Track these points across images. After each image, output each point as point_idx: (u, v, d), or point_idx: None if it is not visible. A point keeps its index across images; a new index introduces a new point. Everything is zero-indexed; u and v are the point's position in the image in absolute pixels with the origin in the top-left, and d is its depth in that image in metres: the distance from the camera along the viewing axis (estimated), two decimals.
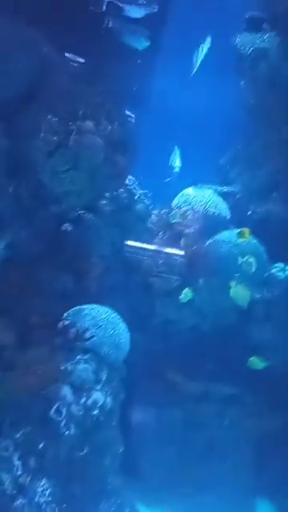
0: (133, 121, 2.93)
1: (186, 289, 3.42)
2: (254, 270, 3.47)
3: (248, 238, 3.54)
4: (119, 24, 3.31)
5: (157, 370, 3.62)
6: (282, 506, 3.76)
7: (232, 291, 3.42)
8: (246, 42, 4.04)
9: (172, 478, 3.56)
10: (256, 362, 3.40)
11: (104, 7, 3.24)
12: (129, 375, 3.32)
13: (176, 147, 4.06)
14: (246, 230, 3.45)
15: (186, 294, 3.40)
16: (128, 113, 2.91)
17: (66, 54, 2.75)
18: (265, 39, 3.97)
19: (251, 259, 3.44)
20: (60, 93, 2.66)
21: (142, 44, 3.50)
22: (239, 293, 3.44)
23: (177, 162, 3.93)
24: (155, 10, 3.47)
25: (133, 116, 2.99)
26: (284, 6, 3.77)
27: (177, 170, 3.94)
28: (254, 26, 4.02)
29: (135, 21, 3.38)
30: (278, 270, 3.94)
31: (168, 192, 4.11)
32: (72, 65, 2.72)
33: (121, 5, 3.22)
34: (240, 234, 3.48)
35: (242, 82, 4.09)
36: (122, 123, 2.85)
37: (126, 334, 3.24)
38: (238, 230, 3.53)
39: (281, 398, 3.79)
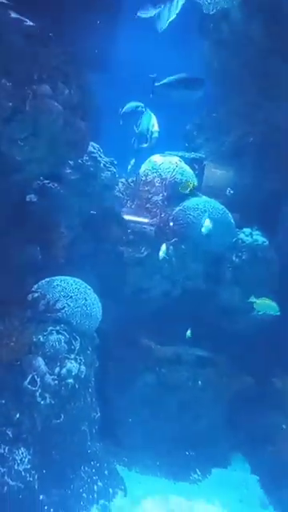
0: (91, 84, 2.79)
1: (164, 245, 3.37)
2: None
3: (189, 190, 3.55)
4: None
5: (130, 336, 3.63)
6: (254, 459, 3.91)
7: (257, 306, 3.45)
8: (208, 1, 3.89)
9: (148, 439, 3.63)
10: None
11: None
12: (102, 343, 3.31)
13: (150, 112, 3.93)
14: (190, 183, 3.49)
15: (164, 252, 3.38)
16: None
17: (20, 15, 2.56)
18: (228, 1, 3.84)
19: (208, 222, 3.44)
20: (14, 55, 2.49)
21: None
22: (264, 305, 3.46)
23: (155, 127, 3.78)
24: None
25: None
26: None
27: (156, 135, 3.80)
28: None
29: None
30: (246, 234, 3.96)
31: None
32: (26, 25, 2.54)
33: None
34: (183, 187, 3.51)
35: (205, 44, 3.97)
36: (80, 86, 2.71)
37: (98, 303, 3.21)
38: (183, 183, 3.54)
39: (250, 358, 3.89)
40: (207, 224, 3.47)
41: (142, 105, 3.94)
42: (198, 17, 3.99)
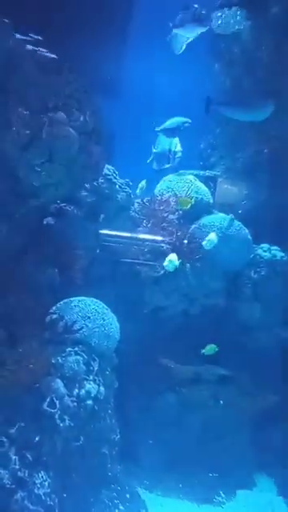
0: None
1: (170, 256, 3.32)
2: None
3: (187, 207, 3.51)
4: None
5: (149, 356, 3.58)
6: (280, 479, 3.77)
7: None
8: (220, 25, 3.93)
9: (170, 460, 3.55)
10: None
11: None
12: (122, 363, 3.28)
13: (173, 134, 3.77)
14: (189, 200, 3.49)
15: (171, 262, 3.31)
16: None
17: (35, 46, 2.65)
18: (238, 22, 3.87)
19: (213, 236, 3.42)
20: (29, 84, 2.57)
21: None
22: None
23: (178, 147, 3.62)
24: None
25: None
26: None
27: (179, 155, 3.62)
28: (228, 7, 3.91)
29: None
30: (264, 250, 3.90)
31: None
32: (40, 54, 2.62)
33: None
34: (182, 203, 3.44)
35: (217, 65, 4.01)
36: (93, 112, 2.76)
37: (116, 323, 3.19)
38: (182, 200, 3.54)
39: (273, 376, 3.78)
40: (211, 238, 3.39)
41: (189, 121, 3.74)
42: (208, 38, 4.04)
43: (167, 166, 3.64)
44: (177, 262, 3.31)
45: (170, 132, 3.69)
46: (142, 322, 3.61)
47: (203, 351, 3.42)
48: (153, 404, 3.52)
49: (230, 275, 3.86)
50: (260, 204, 4.03)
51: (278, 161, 4.02)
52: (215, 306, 3.81)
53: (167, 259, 3.31)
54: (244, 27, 3.77)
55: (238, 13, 3.60)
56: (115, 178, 3.41)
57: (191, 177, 3.92)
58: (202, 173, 4.09)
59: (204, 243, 3.44)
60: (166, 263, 3.30)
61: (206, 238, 3.45)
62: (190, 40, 3.43)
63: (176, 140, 3.61)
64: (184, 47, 3.50)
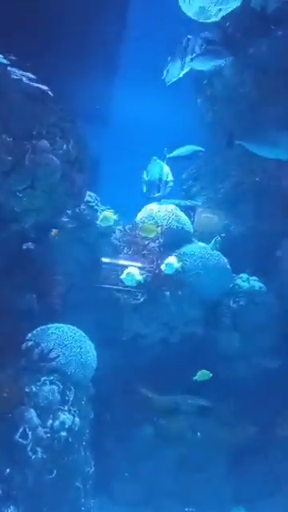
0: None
1: (129, 268, 3.24)
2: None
3: (152, 235, 3.49)
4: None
5: (127, 385, 3.52)
6: None
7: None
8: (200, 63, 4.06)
9: (147, 494, 3.44)
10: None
11: None
12: (98, 393, 3.21)
13: (160, 161, 3.68)
14: (154, 227, 3.47)
15: (129, 276, 3.25)
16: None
17: (20, 73, 2.69)
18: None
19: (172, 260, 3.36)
20: (14, 112, 2.59)
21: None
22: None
23: (170, 177, 3.57)
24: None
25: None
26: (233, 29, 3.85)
27: (171, 184, 3.57)
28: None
29: None
30: (243, 280, 3.93)
31: None
32: (26, 83, 2.66)
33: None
34: (146, 230, 3.47)
35: (199, 100, 4.13)
36: (77, 141, 2.80)
37: (93, 351, 3.14)
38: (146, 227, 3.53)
39: (252, 406, 3.74)
40: (170, 261, 3.32)
41: (203, 150, 3.74)
42: (192, 73, 4.17)
43: (157, 194, 3.60)
44: (139, 277, 3.24)
45: (183, 160, 3.70)
46: (121, 350, 3.55)
47: (195, 378, 3.35)
48: (129, 435, 3.43)
49: (209, 304, 3.86)
50: (240, 235, 4.08)
51: (260, 193, 4.11)
52: (194, 334, 3.79)
53: (125, 272, 3.23)
54: (226, 63, 3.91)
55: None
56: (97, 204, 3.43)
57: (172, 206, 3.97)
58: (183, 202, 4.15)
59: (163, 267, 3.36)
60: (123, 276, 3.21)
61: (165, 261, 3.36)
62: (185, 72, 3.48)
63: (167, 169, 3.58)
64: (174, 80, 3.56)
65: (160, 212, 3.88)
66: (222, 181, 4.30)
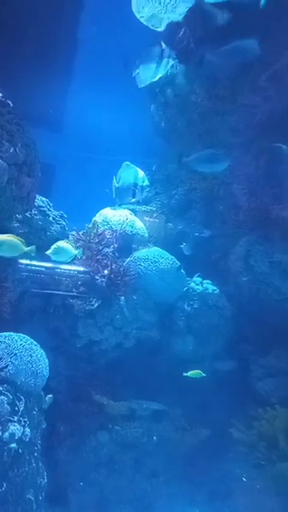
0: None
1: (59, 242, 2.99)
2: None
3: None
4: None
5: (81, 393, 3.43)
6: None
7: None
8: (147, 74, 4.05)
9: (102, 502, 3.36)
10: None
11: None
12: (52, 402, 3.10)
13: (133, 166, 3.57)
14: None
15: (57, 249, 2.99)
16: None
17: None
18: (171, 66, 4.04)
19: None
20: None
21: None
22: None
23: (146, 182, 3.48)
24: None
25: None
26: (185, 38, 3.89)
27: (147, 189, 3.52)
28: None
29: None
30: (196, 283, 3.95)
31: None
32: None
33: None
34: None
35: (153, 107, 4.14)
36: (26, 144, 2.70)
37: (45, 359, 3.03)
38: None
39: (206, 409, 3.76)
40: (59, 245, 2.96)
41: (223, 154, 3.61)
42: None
43: (133, 200, 3.50)
44: (74, 251, 3.03)
45: (203, 165, 3.57)
46: (75, 357, 3.47)
47: (186, 374, 3.32)
48: (84, 443, 3.34)
49: (164, 308, 3.85)
50: (193, 239, 4.11)
51: (211, 199, 4.17)
52: (149, 338, 3.76)
53: (53, 246, 2.92)
54: (178, 72, 3.94)
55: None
56: (49, 209, 3.34)
57: (127, 211, 3.94)
58: (138, 208, 4.13)
59: (49, 252, 3.06)
60: (50, 251, 2.92)
61: (52, 247, 3.04)
62: (157, 78, 3.44)
63: (142, 173, 3.48)
64: (147, 83, 3.50)
65: (114, 217, 3.84)
66: (175, 187, 4.33)
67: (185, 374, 3.39)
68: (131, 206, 4.06)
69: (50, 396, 2.98)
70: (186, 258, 3.89)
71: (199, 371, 3.40)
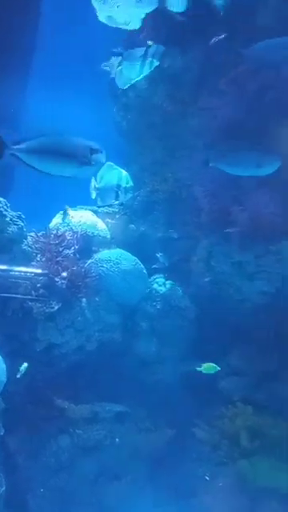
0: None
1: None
2: None
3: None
4: None
5: (42, 398, 3.36)
6: None
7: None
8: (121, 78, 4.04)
9: (62, 508, 3.29)
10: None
11: None
12: (10, 408, 3.02)
13: (116, 166, 3.33)
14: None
15: None
16: None
17: None
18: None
19: None
20: None
21: None
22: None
23: (130, 183, 3.25)
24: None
25: None
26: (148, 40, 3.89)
27: (131, 191, 3.28)
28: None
29: None
30: (159, 284, 3.95)
31: None
32: None
33: None
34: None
35: (115, 108, 4.11)
36: None
37: (2, 365, 2.94)
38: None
39: (170, 410, 3.75)
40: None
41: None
42: (107, 80, 4.15)
43: (116, 202, 3.31)
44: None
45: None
46: (34, 361, 3.38)
47: (200, 369, 3.22)
48: (44, 448, 3.27)
49: (127, 310, 3.83)
50: (155, 241, 4.11)
51: (173, 200, 4.18)
52: (112, 341, 3.73)
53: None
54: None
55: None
56: (6, 210, 3.25)
57: (89, 212, 3.89)
58: (100, 209, 4.09)
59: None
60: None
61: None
62: (139, 78, 3.34)
63: (126, 175, 3.28)
64: (128, 85, 3.40)
65: (75, 218, 3.79)
66: (138, 188, 4.31)
67: (198, 369, 3.30)
68: (93, 207, 4.01)
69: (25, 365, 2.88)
70: (149, 259, 3.87)
71: (214, 365, 3.28)
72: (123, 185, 3.22)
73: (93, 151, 2.55)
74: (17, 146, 2.37)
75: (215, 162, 3.23)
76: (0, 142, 2.31)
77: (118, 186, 3.22)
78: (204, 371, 3.36)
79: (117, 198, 3.24)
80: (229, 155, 3.21)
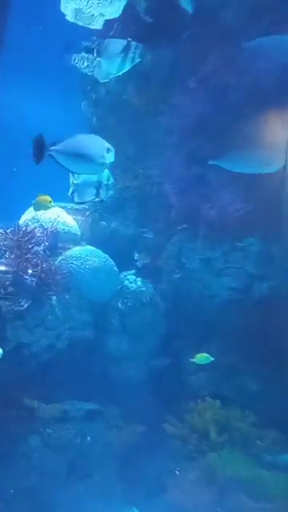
0: None
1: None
2: None
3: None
4: None
5: (11, 398, 3.28)
6: (148, 510, 3.69)
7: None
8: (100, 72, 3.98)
9: (33, 508, 3.23)
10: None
11: None
12: None
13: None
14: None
15: None
16: None
17: None
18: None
19: None
20: None
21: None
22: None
23: (111, 180, 3.15)
24: None
25: None
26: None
27: (112, 188, 3.18)
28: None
29: None
30: (130, 281, 3.94)
31: None
32: None
33: None
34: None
35: (84, 103, 4.06)
36: None
37: None
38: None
39: (141, 406, 3.76)
40: None
41: None
42: (78, 76, 4.09)
43: (97, 199, 3.19)
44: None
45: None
46: (3, 360, 3.30)
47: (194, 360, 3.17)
48: (13, 449, 3.20)
49: (98, 307, 3.80)
50: (126, 238, 4.09)
51: (144, 197, 4.17)
52: (83, 338, 3.69)
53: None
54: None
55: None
56: None
57: (59, 209, 3.83)
58: (70, 205, 4.03)
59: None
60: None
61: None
62: (119, 74, 3.23)
63: (107, 171, 3.13)
64: (109, 78, 3.30)
65: (45, 215, 3.72)
66: None
67: (191, 360, 3.27)
68: (63, 204, 3.95)
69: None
70: (120, 256, 3.86)
71: (206, 355, 3.27)
72: (104, 181, 3.13)
73: (108, 150, 2.76)
74: (53, 148, 2.50)
75: (215, 160, 3.25)
76: (42, 144, 2.44)
77: (99, 183, 3.13)
78: (197, 362, 3.36)
79: (97, 195, 3.15)
80: (232, 153, 3.21)
